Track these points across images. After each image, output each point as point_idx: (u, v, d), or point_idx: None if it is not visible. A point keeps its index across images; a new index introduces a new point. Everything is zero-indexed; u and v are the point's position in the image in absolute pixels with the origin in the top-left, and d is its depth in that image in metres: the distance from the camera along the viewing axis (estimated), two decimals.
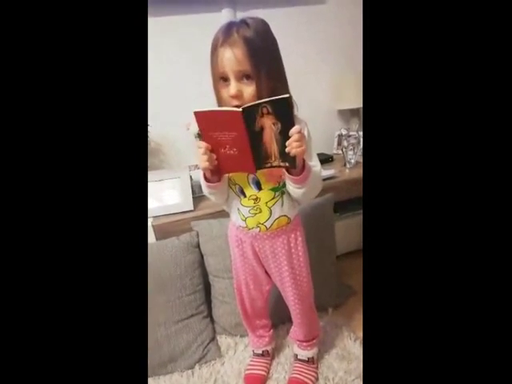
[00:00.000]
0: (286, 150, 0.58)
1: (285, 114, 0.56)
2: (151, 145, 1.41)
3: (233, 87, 0.61)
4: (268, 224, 0.72)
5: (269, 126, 0.57)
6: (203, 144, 0.61)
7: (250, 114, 0.56)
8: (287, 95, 0.54)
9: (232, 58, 0.59)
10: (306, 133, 0.67)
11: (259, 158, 0.61)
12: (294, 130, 0.56)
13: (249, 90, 0.61)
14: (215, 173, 0.66)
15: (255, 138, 0.58)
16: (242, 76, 0.61)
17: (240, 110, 0.56)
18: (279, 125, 0.56)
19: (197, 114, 0.58)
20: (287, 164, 0.61)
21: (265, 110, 0.55)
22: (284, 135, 0.57)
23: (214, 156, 0.62)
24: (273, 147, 0.59)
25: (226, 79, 0.62)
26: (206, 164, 0.62)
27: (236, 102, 0.62)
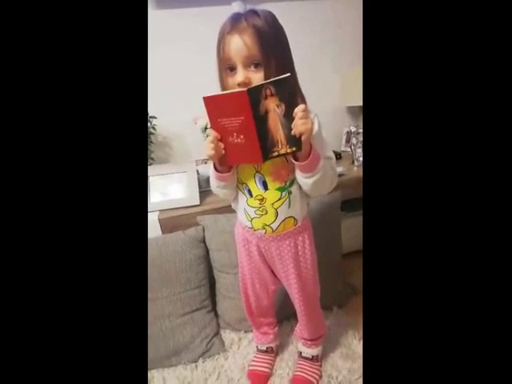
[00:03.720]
0: (292, 132, 0.56)
1: (288, 93, 0.55)
2: (158, 139, 1.41)
3: (240, 75, 0.60)
4: (274, 226, 0.71)
5: (273, 108, 0.56)
6: (212, 132, 0.61)
7: (255, 95, 0.55)
8: (288, 74, 0.54)
9: (240, 44, 0.58)
10: (316, 124, 0.66)
11: (266, 147, 0.60)
12: (297, 109, 0.55)
13: (256, 77, 0.60)
14: (223, 162, 0.65)
15: (261, 122, 0.57)
16: (250, 63, 0.60)
17: (245, 89, 0.55)
18: (283, 106, 0.56)
19: (205, 99, 0.58)
20: (294, 148, 0.59)
21: (268, 92, 0.54)
22: (289, 117, 0.56)
23: (222, 145, 0.61)
24: (279, 133, 0.58)
25: (232, 67, 0.61)
26: (212, 152, 0.61)
27: None
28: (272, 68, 0.59)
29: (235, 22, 0.59)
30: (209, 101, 0.59)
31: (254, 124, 0.57)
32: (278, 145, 0.59)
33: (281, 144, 0.59)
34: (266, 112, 0.56)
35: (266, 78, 0.60)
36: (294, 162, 0.62)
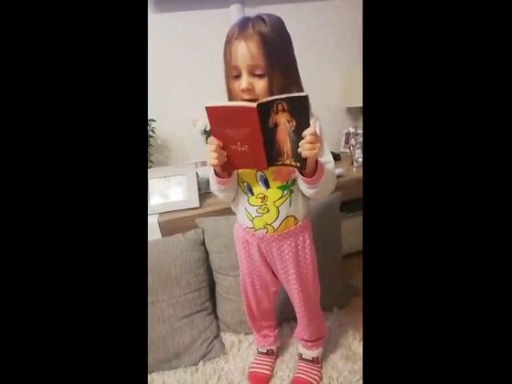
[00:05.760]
0: (299, 150, 0.57)
1: (301, 112, 0.54)
2: (157, 141, 1.41)
3: (244, 81, 0.61)
4: (276, 225, 0.71)
5: (283, 122, 0.55)
6: (214, 141, 0.60)
7: (264, 110, 0.54)
8: (306, 93, 0.53)
9: (246, 51, 0.59)
10: (318, 128, 0.67)
11: (271, 155, 0.59)
12: (307, 132, 0.55)
13: (260, 84, 0.61)
14: (225, 168, 0.65)
15: (268, 134, 0.56)
16: (254, 71, 0.60)
17: (255, 105, 0.53)
18: (294, 123, 0.55)
19: (208, 109, 0.56)
20: (299, 165, 0.59)
21: (280, 107, 0.53)
22: (298, 134, 0.56)
23: (225, 153, 0.61)
24: (286, 145, 0.57)
25: (237, 73, 0.62)
26: (216, 162, 0.61)
27: (247, 96, 0.62)
28: (275, 76, 0.60)
29: (242, 27, 0.59)
30: (212, 111, 0.57)
31: (260, 136, 0.56)
32: (284, 155, 0.59)
33: (286, 155, 0.59)
34: (276, 125, 0.55)
35: (269, 86, 0.60)
36: (298, 175, 0.63)
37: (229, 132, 0.58)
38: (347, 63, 1.53)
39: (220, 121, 0.58)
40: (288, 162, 0.60)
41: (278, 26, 0.61)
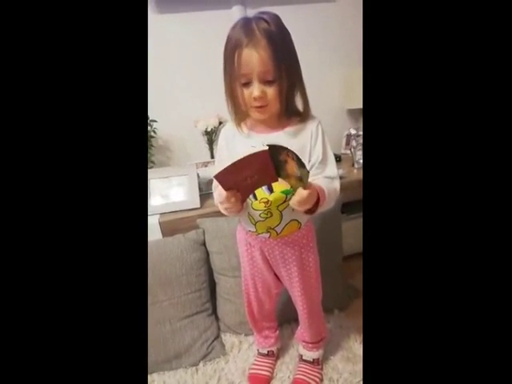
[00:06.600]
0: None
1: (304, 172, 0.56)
2: (158, 142, 1.42)
3: (256, 89, 0.60)
4: (279, 229, 0.70)
5: (291, 164, 0.55)
6: (229, 196, 0.60)
7: (275, 151, 0.54)
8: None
9: (257, 58, 0.58)
10: (320, 132, 0.67)
11: (281, 173, 0.58)
12: (294, 199, 0.59)
13: (271, 90, 0.61)
14: (240, 204, 0.65)
15: (279, 164, 0.56)
16: (265, 77, 0.60)
17: (267, 148, 0.52)
18: (299, 173, 0.56)
19: (218, 176, 0.55)
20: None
21: (290, 155, 0.54)
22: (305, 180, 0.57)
23: (240, 196, 0.61)
24: (295, 173, 0.57)
25: (247, 80, 0.61)
26: (237, 210, 0.63)
27: (258, 104, 0.62)
28: (284, 79, 0.61)
29: (249, 33, 0.58)
30: (221, 176, 0.55)
31: (271, 163, 0.55)
32: (292, 178, 0.58)
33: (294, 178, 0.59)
34: (286, 161, 0.55)
35: (278, 91, 0.61)
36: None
37: (239, 176, 0.57)
38: (347, 65, 1.53)
39: (230, 175, 0.57)
40: (295, 184, 0.59)
41: (278, 24, 0.61)
